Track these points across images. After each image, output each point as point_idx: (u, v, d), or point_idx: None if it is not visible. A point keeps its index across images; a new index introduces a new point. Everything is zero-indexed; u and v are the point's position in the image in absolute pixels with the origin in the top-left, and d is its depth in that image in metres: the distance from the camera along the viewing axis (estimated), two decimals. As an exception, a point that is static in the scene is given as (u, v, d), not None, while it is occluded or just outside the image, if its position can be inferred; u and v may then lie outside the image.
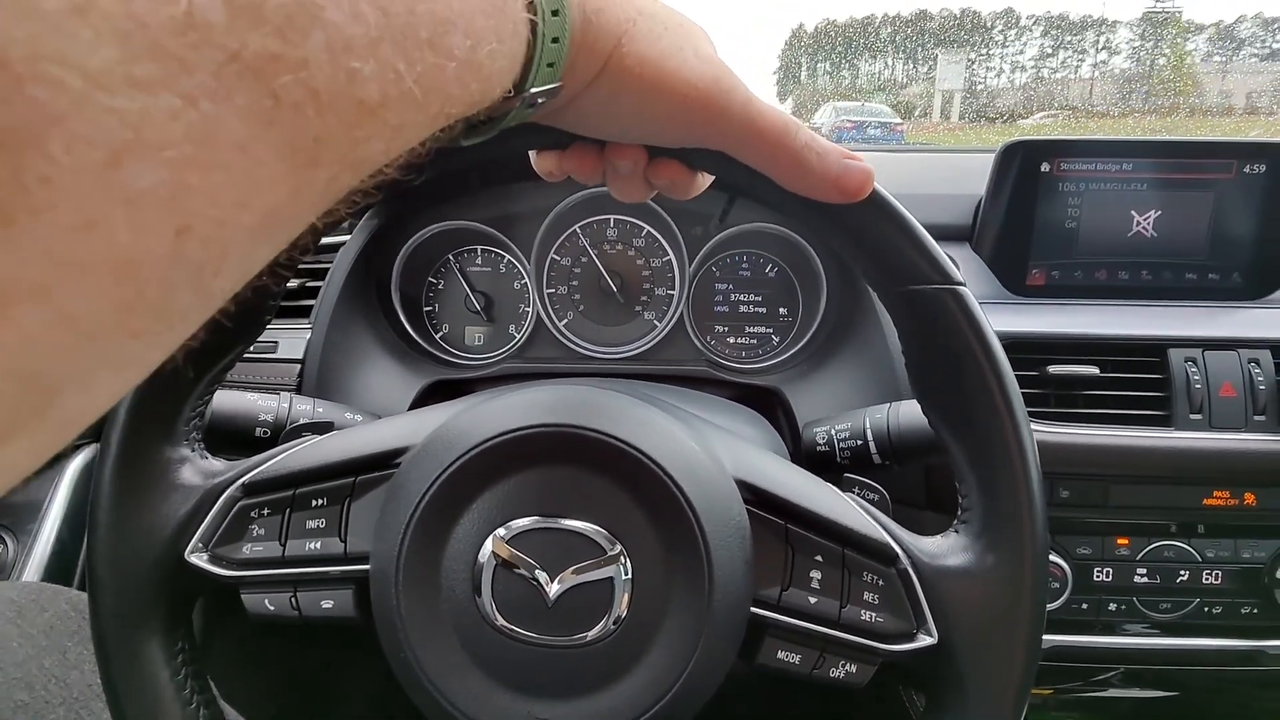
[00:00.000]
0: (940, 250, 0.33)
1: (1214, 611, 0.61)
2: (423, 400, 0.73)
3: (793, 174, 0.31)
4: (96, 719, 0.47)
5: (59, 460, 0.68)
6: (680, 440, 0.38)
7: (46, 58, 0.11)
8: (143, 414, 0.35)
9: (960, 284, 0.33)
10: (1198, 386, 0.58)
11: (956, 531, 0.36)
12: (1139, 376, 0.60)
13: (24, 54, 0.10)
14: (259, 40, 0.13)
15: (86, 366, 0.13)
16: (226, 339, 0.36)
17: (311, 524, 0.38)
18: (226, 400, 0.53)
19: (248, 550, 0.37)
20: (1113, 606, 0.62)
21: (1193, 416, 0.58)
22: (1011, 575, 0.34)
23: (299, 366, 0.68)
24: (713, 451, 0.39)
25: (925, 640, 0.35)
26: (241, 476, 0.38)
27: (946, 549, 0.36)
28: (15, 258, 0.11)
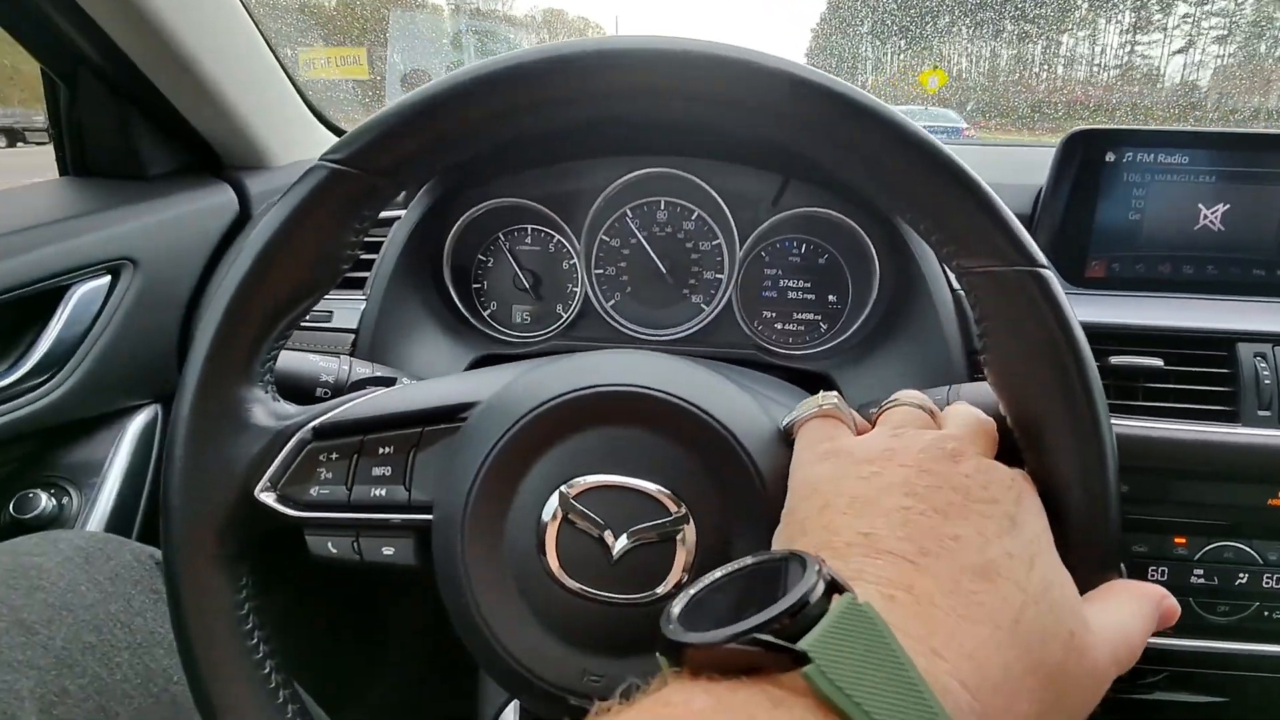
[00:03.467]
0: (1025, 231, 0.32)
1: (1274, 616, 0.60)
2: None
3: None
4: (159, 664, 0.48)
5: (120, 419, 0.71)
6: (747, 406, 0.38)
7: None
8: (221, 354, 0.36)
9: (1045, 266, 0.32)
10: (1267, 382, 0.57)
11: None
12: (1205, 371, 0.59)
13: None
14: None
15: None
16: (305, 286, 0.37)
17: (377, 471, 0.39)
18: (290, 360, 0.54)
19: (315, 492, 0.38)
20: (1167, 607, 0.61)
21: (1261, 413, 0.56)
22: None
23: (353, 336, 0.70)
24: (772, 414, 0.39)
25: None
26: (313, 420, 0.39)
27: None
28: None
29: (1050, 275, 0.32)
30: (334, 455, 0.39)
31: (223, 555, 0.36)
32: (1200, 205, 0.66)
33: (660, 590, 0.35)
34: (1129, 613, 0.29)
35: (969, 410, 0.34)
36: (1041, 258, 0.32)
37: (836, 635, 0.22)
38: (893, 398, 0.36)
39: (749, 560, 0.27)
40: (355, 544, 0.39)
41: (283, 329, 0.38)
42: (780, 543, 0.31)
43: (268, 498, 0.37)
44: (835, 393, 0.37)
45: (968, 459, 0.30)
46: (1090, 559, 0.31)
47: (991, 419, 0.34)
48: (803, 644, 0.21)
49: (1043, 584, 0.26)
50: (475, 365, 0.75)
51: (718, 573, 0.27)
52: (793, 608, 0.22)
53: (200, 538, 0.36)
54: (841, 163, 0.33)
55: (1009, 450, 0.34)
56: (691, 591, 0.26)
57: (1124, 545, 0.60)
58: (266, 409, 0.38)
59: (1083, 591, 0.30)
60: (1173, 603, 0.31)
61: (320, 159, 0.35)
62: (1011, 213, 0.32)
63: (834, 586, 0.23)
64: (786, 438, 0.37)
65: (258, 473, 0.37)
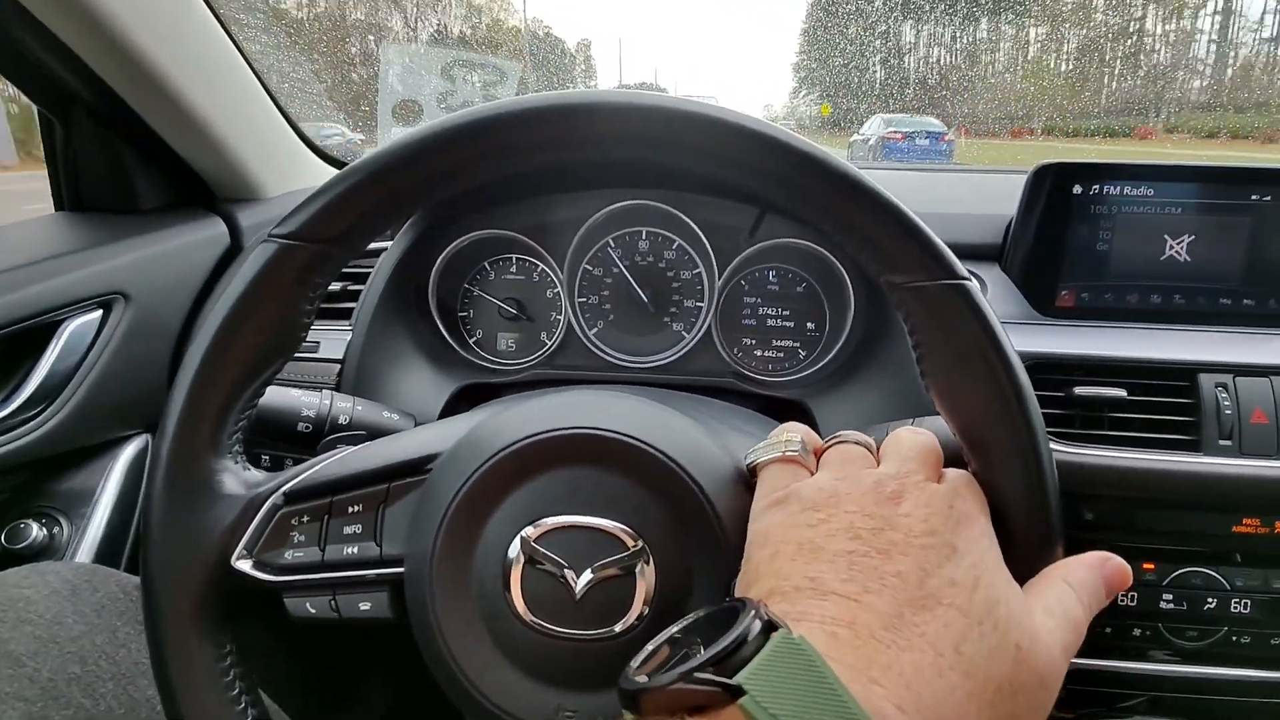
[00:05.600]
0: (946, 247, 0.34)
1: (1242, 641, 0.60)
2: (455, 402, 0.76)
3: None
4: (143, 694, 0.49)
5: (111, 449, 0.72)
6: (698, 441, 0.40)
7: None
8: (188, 432, 0.37)
9: (965, 278, 0.33)
10: (1228, 412, 0.58)
11: None
12: (1167, 400, 0.60)
13: None
14: None
15: None
16: (265, 359, 0.38)
17: (349, 529, 0.40)
18: (272, 396, 0.55)
19: (289, 556, 0.39)
20: (1137, 632, 0.61)
21: (1222, 442, 0.58)
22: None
23: (339, 366, 0.71)
24: (729, 449, 0.40)
25: None
26: (282, 486, 0.40)
27: None
28: None
29: (972, 286, 0.33)
30: (305, 518, 0.40)
31: (205, 625, 0.37)
32: (1166, 236, 0.68)
33: (619, 626, 0.37)
34: (1071, 598, 0.31)
35: (906, 438, 0.35)
36: (963, 270, 0.34)
37: (770, 668, 0.23)
38: (834, 436, 0.37)
39: (700, 613, 0.29)
40: (332, 602, 0.40)
41: (248, 399, 0.39)
42: (738, 591, 0.32)
43: (244, 565, 0.38)
44: (799, 431, 0.38)
45: (906, 498, 0.31)
46: (1031, 542, 0.33)
47: (931, 436, 0.36)
48: (738, 678, 0.23)
49: (987, 604, 0.28)
50: (460, 394, 0.76)
51: (674, 627, 0.29)
52: (729, 646, 0.24)
53: (182, 610, 0.37)
54: (778, 195, 0.35)
55: (955, 460, 0.35)
56: (650, 647, 0.28)
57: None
58: (237, 478, 0.39)
59: (1029, 576, 0.32)
60: (1117, 563, 0.33)
61: (269, 234, 0.36)
62: (932, 231, 0.34)
63: (770, 625, 0.25)
64: (747, 475, 0.38)
65: (233, 541, 0.38)
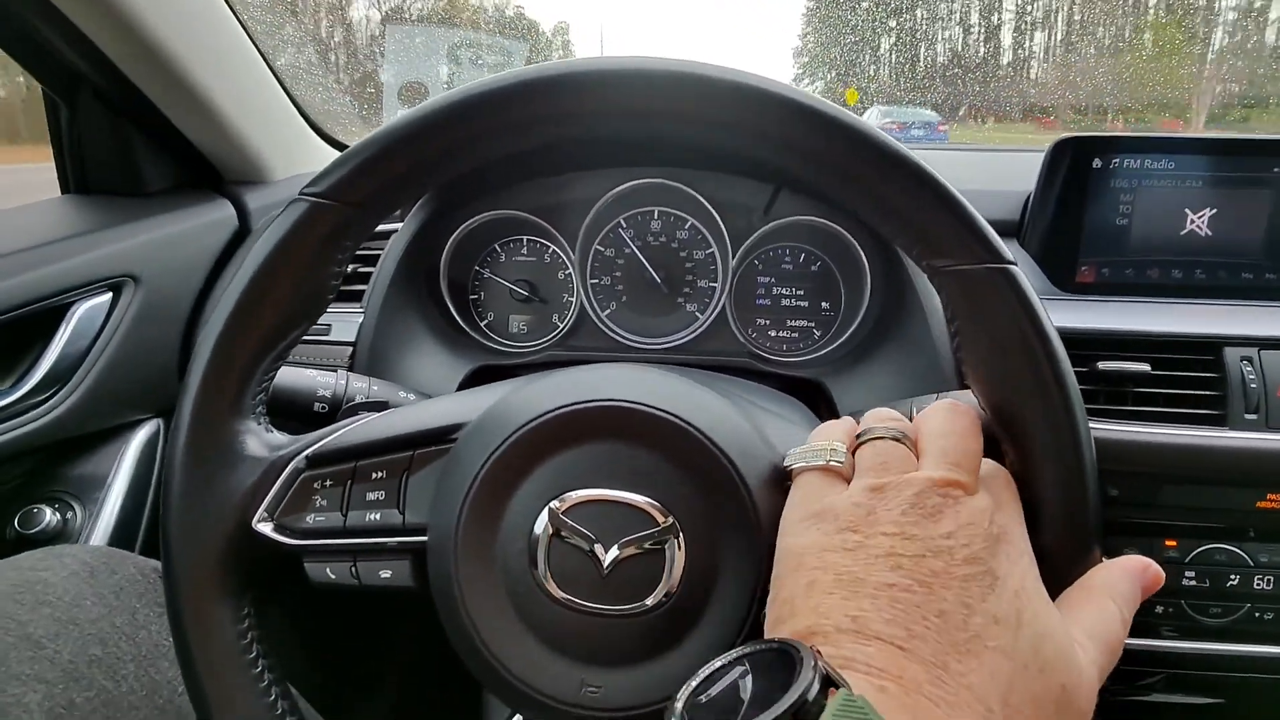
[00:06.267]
0: (991, 229, 0.33)
1: (1265, 618, 0.60)
2: (468, 385, 0.75)
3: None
4: (164, 675, 0.49)
5: (123, 433, 0.71)
6: (729, 416, 0.39)
7: None
8: (212, 390, 0.37)
9: (1011, 263, 0.32)
10: (1254, 386, 0.57)
11: None
12: (1192, 375, 0.59)
13: None
14: None
15: None
16: (292, 319, 0.38)
17: (371, 496, 0.40)
18: (287, 376, 0.55)
19: (311, 520, 0.39)
20: (1159, 609, 0.61)
21: (1248, 416, 0.57)
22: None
23: (351, 349, 0.71)
24: (759, 426, 0.39)
25: None
26: (305, 449, 0.40)
27: None
28: None
29: (1017, 271, 0.32)
30: (328, 482, 0.39)
31: (224, 587, 0.37)
32: (1187, 210, 0.67)
33: (649, 601, 0.36)
34: (1114, 617, 0.30)
35: (943, 424, 0.33)
36: (1008, 254, 0.33)
37: None
38: (865, 427, 0.35)
39: (746, 649, 0.28)
40: (353, 569, 0.39)
41: (272, 360, 0.38)
42: (770, 623, 0.31)
43: (265, 527, 0.38)
44: (843, 437, 0.35)
45: (945, 516, 0.30)
46: (1068, 546, 0.32)
47: (971, 417, 0.34)
48: None
49: (1032, 644, 0.27)
50: (473, 376, 0.76)
51: (716, 662, 0.28)
52: (792, 707, 0.23)
53: (201, 571, 0.36)
54: (808, 170, 0.34)
55: (991, 440, 0.34)
56: (693, 683, 0.27)
57: (1116, 549, 0.61)
58: (260, 440, 0.39)
59: (1065, 581, 0.31)
60: (1155, 571, 0.32)
61: (300, 193, 0.36)
62: (976, 211, 0.33)
63: (828, 680, 0.24)
64: (783, 474, 0.37)
65: (254, 503, 0.38)
